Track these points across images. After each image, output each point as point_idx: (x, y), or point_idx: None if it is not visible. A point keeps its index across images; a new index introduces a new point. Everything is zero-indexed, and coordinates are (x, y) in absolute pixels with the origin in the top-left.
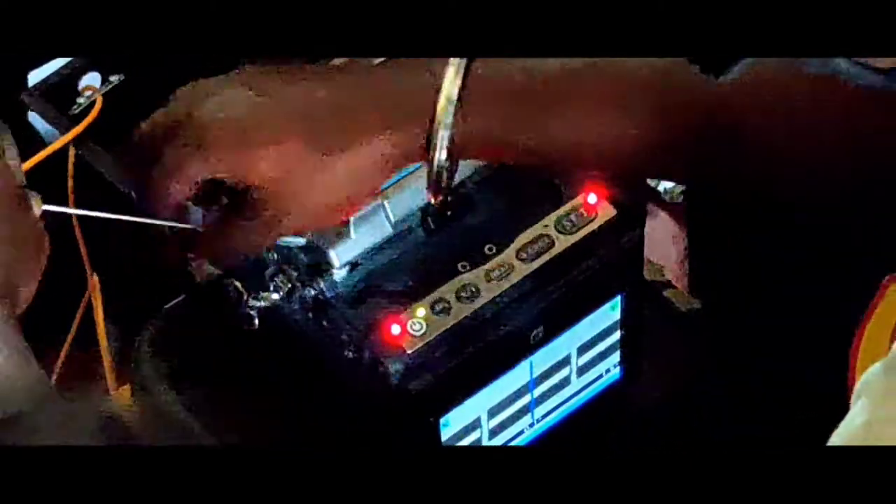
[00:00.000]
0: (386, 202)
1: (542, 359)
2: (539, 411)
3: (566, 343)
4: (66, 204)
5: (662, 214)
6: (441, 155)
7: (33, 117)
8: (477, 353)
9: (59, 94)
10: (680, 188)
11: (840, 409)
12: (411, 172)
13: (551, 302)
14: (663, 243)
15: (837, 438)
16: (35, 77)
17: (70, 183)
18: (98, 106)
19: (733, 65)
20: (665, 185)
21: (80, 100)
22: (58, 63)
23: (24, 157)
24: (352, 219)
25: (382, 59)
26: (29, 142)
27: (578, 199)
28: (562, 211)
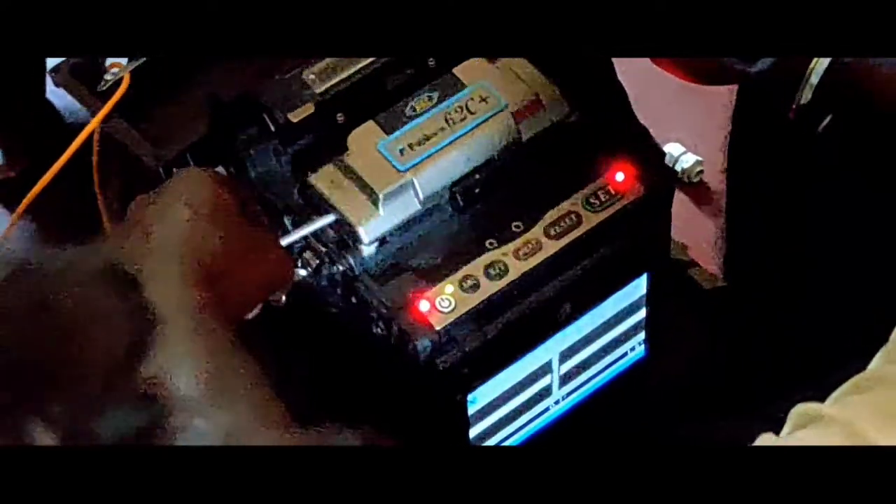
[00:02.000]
0: (415, 179)
1: (569, 336)
2: (564, 388)
3: (592, 321)
4: (90, 179)
5: (681, 193)
6: (806, 97)
7: (53, 94)
8: (505, 330)
9: (86, 70)
10: (697, 168)
11: None
12: (440, 149)
13: (579, 279)
14: (685, 222)
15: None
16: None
17: (95, 159)
18: (126, 83)
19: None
20: (682, 165)
21: (107, 76)
22: None
23: (46, 134)
24: (381, 194)
25: None
26: (49, 119)
27: (606, 178)
28: (590, 189)
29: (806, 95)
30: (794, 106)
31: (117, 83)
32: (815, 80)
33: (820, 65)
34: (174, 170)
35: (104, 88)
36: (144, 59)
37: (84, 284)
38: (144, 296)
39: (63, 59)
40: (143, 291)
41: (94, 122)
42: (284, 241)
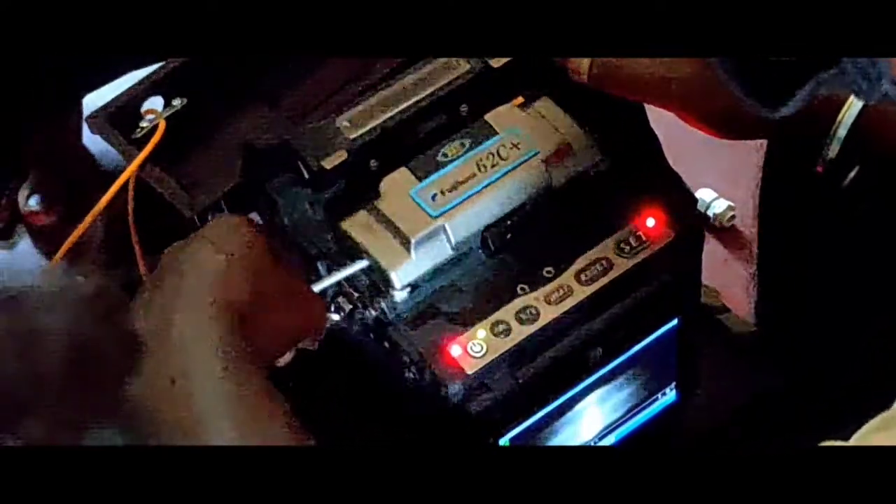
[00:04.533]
0: (447, 224)
1: (600, 381)
2: (596, 433)
3: (624, 365)
4: (126, 224)
5: (713, 238)
6: (834, 151)
7: (89, 140)
8: (536, 375)
9: (122, 118)
10: (729, 214)
11: None
12: (471, 195)
13: (610, 325)
14: (716, 267)
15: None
16: (94, 102)
17: (131, 207)
18: (161, 130)
19: (789, 99)
20: (714, 211)
21: (143, 123)
22: (117, 89)
23: (83, 180)
24: (413, 240)
25: None
26: (86, 165)
27: (637, 223)
28: (621, 234)
29: (834, 150)
30: (821, 160)
31: (152, 130)
32: (842, 133)
33: (848, 116)
34: (209, 216)
35: (140, 136)
36: (179, 105)
37: (72, 308)
38: (131, 321)
39: (99, 106)
40: (131, 317)
41: (130, 170)
42: (317, 287)
